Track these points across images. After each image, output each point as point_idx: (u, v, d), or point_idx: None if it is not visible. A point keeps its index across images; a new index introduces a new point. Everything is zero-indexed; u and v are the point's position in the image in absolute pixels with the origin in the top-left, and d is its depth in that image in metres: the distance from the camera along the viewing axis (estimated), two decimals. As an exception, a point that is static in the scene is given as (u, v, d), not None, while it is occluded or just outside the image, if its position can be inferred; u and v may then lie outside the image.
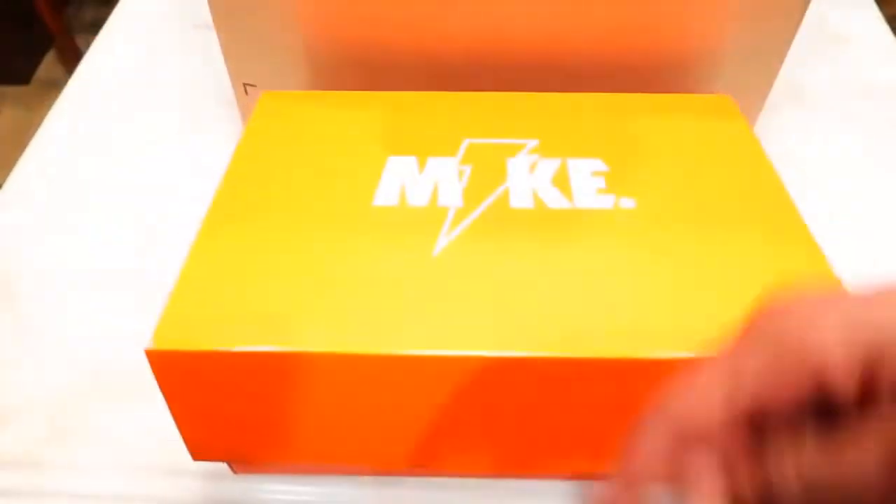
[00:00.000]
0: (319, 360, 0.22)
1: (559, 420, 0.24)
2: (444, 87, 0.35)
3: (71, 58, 1.17)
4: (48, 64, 1.30)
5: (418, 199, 0.28)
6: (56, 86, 0.48)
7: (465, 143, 0.30)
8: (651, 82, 0.36)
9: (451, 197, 0.28)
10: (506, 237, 0.26)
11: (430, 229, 0.26)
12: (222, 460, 0.27)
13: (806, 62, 0.49)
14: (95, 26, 0.52)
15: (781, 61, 0.35)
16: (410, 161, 0.29)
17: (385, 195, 0.28)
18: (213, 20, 0.34)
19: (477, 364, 0.22)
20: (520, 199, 0.27)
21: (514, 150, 0.30)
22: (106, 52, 0.50)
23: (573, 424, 0.24)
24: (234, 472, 0.28)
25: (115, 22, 0.53)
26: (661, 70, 0.35)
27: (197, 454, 0.26)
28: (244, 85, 0.36)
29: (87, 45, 0.51)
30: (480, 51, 0.35)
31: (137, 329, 0.33)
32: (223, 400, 0.24)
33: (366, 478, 0.28)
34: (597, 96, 0.33)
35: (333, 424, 0.24)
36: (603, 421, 0.24)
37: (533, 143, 0.31)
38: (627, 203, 0.27)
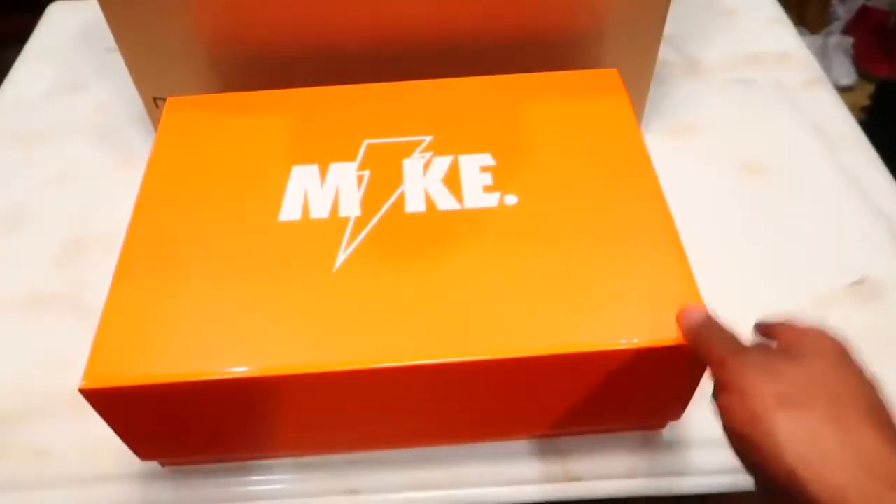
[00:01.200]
0: (240, 383, 0.25)
1: (471, 409, 0.28)
2: (345, 77, 0.37)
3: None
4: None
5: (320, 210, 0.30)
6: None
7: (364, 144, 0.32)
8: (543, 58, 0.37)
9: (351, 206, 0.30)
10: (400, 247, 0.28)
11: (331, 243, 0.28)
12: (167, 460, 0.30)
13: (698, 35, 0.51)
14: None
15: (661, 29, 0.37)
16: (312, 170, 0.31)
17: (289, 209, 0.30)
18: (115, 38, 0.35)
19: (376, 374, 0.25)
20: (414, 203, 0.30)
21: (409, 150, 0.32)
22: (22, 79, 0.50)
23: (484, 411, 0.28)
24: (163, 465, 0.31)
25: (29, 53, 0.53)
26: (551, 46, 0.37)
27: (143, 457, 0.29)
28: (154, 99, 0.37)
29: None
30: (375, 39, 0.36)
31: (62, 348, 0.35)
32: (159, 416, 0.27)
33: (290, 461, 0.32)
34: (488, 80, 0.35)
35: (263, 429, 0.28)
36: (509, 405, 0.28)
37: (427, 139, 0.33)
38: (510, 200, 0.30)
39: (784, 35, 0.52)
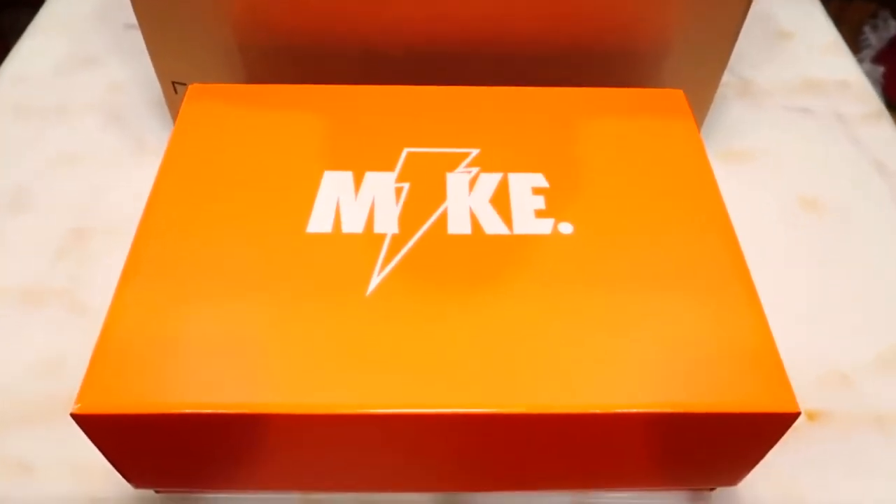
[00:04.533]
0: (247, 419, 0.22)
1: (506, 460, 0.25)
2: (384, 79, 0.34)
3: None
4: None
5: (354, 224, 0.27)
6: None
7: (404, 152, 0.29)
8: (601, 72, 0.34)
9: (388, 222, 0.27)
10: (441, 272, 0.25)
11: (365, 263, 0.25)
12: (162, 489, 0.27)
13: (752, 57, 0.48)
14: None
15: (729, 54, 0.34)
16: (346, 178, 0.28)
17: (319, 220, 0.27)
18: (136, 14, 0.32)
19: (403, 420, 0.22)
20: (457, 224, 0.27)
21: (453, 163, 0.29)
22: (29, 54, 0.47)
23: (517, 462, 0.25)
24: (158, 492, 0.28)
25: (41, 22, 0.49)
26: (611, 60, 0.34)
27: (136, 485, 0.26)
28: (173, 83, 0.34)
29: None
30: (419, 40, 0.33)
31: (56, 349, 0.32)
32: (157, 446, 0.24)
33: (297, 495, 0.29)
34: (542, 91, 0.32)
35: (270, 465, 0.25)
36: (547, 458, 0.25)
37: (474, 152, 0.30)
38: (566, 228, 0.27)
39: (843, 63, 0.49)
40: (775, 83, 0.47)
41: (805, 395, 0.32)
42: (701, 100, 0.37)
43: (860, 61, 1.24)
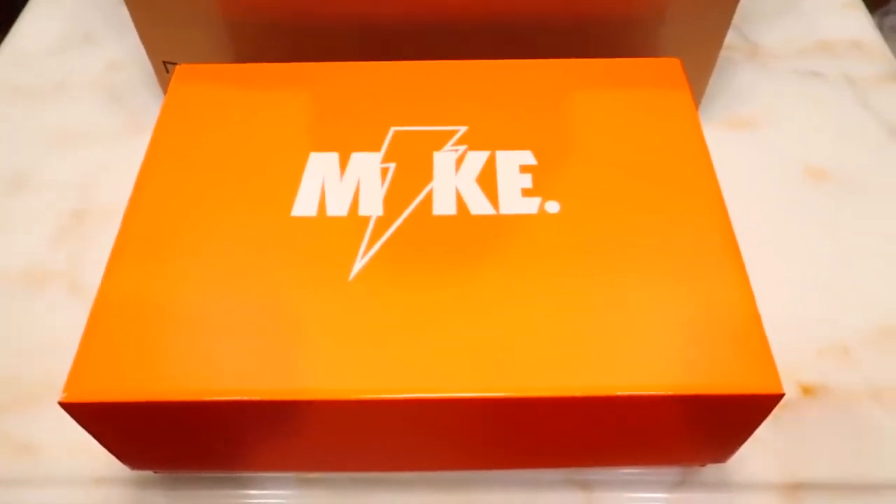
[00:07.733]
0: (230, 406, 0.22)
1: (490, 440, 0.25)
2: (375, 54, 0.33)
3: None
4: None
5: (338, 206, 0.27)
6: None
7: (391, 131, 0.29)
8: (597, 41, 0.33)
9: (373, 204, 0.27)
10: (425, 255, 0.25)
11: (348, 247, 0.25)
12: (160, 470, 0.28)
13: (760, 16, 0.46)
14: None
15: (731, 17, 0.33)
16: (332, 159, 0.28)
17: (304, 203, 0.27)
18: (119, -8, 0.31)
19: (387, 405, 0.22)
20: (443, 204, 0.27)
21: (441, 141, 0.29)
22: (28, 30, 0.47)
23: (502, 443, 0.25)
24: (156, 472, 0.29)
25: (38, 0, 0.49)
26: (607, 27, 0.33)
27: (133, 467, 0.26)
28: (164, 63, 0.34)
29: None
30: (410, 12, 0.32)
31: (56, 332, 0.33)
32: (150, 431, 0.24)
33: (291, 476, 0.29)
34: (532, 64, 0.31)
35: (261, 448, 0.25)
36: (533, 439, 0.25)
37: (461, 129, 0.29)
38: (552, 207, 0.26)
39: (856, 20, 0.47)
40: (784, 45, 0.45)
41: (803, 369, 0.31)
42: (702, 65, 0.36)
43: (887, 13, 1.20)
